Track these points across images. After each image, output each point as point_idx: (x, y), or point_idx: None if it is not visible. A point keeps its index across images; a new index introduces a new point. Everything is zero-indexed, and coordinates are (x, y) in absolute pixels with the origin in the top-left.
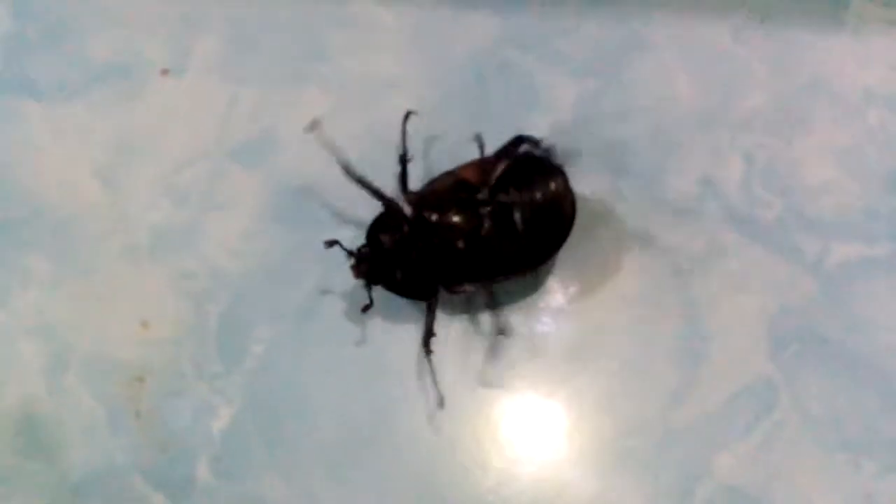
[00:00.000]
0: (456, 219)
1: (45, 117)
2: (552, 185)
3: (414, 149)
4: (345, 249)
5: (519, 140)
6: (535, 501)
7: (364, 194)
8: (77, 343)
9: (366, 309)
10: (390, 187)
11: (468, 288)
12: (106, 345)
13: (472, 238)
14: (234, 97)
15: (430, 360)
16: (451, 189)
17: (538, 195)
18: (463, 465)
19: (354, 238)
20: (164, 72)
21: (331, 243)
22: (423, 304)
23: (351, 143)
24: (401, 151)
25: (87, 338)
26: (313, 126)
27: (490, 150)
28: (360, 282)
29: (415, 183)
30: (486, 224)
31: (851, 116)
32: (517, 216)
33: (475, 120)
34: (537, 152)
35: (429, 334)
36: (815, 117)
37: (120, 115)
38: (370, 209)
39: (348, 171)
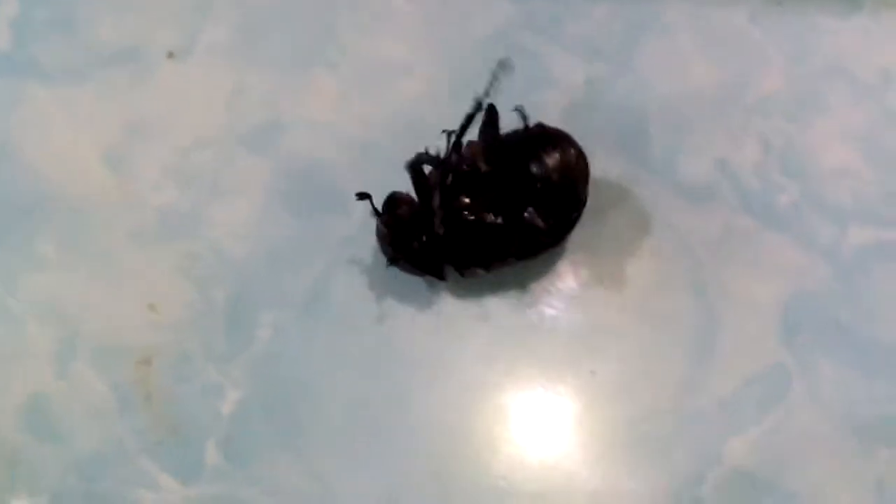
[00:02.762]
0: (466, 200)
1: (52, 101)
2: (563, 157)
3: (425, 133)
4: (373, 206)
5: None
6: (545, 486)
7: (371, 179)
8: (85, 326)
9: (390, 263)
10: (398, 172)
11: (479, 271)
12: (114, 328)
13: (484, 217)
14: (242, 81)
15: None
16: (461, 170)
17: (549, 168)
18: (474, 449)
19: (362, 223)
20: (171, 55)
21: (362, 195)
22: (433, 287)
23: (361, 127)
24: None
25: (95, 321)
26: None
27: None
28: (369, 265)
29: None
30: (499, 203)
31: (869, 99)
32: (530, 191)
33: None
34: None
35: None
36: (832, 100)
37: (128, 99)
38: (378, 192)
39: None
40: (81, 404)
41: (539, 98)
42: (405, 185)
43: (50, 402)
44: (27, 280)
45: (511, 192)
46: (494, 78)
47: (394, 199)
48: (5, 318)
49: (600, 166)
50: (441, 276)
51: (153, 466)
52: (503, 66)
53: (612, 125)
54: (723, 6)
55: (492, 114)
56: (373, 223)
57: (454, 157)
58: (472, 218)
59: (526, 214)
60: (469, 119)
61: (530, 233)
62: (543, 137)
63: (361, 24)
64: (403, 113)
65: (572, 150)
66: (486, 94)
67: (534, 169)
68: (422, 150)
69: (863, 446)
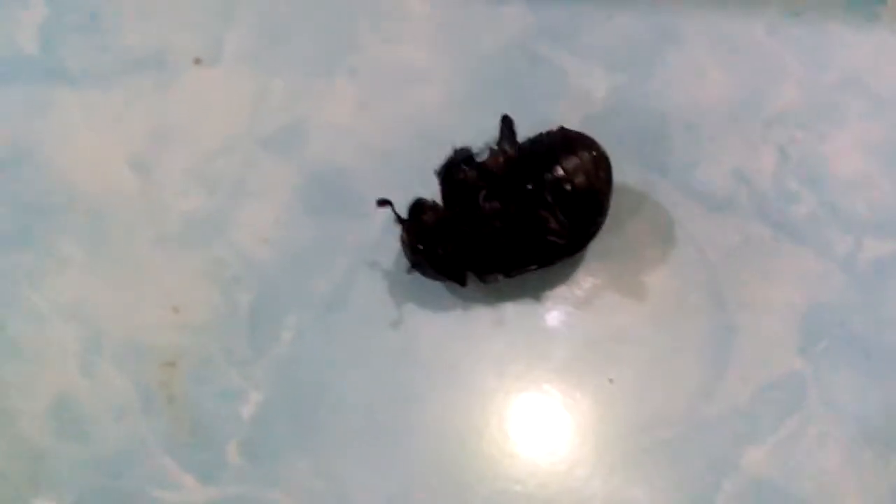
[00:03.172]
0: (487, 207)
1: (79, 105)
2: (585, 159)
3: (444, 138)
4: (395, 213)
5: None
6: (561, 491)
7: (391, 184)
8: (110, 328)
9: (411, 270)
10: (419, 177)
11: (499, 277)
12: (138, 330)
13: (504, 225)
14: (265, 87)
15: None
16: (479, 178)
17: (571, 171)
18: (489, 453)
19: (383, 227)
20: (197, 61)
21: (383, 202)
22: (452, 292)
23: (381, 133)
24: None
25: (120, 323)
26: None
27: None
28: (389, 269)
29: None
30: (521, 210)
31: (885, 111)
32: (549, 197)
33: (505, 112)
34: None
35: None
36: (848, 112)
37: (153, 104)
38: (399, 197)
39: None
40: (106, 404)
41: (557, 107)
42: (425, 190)
43: (75, 402)
44: (53, 281)
45: (533, 200)
46: (502, 133)
47: (419, 206)
48: (32, 318)
49: (618, 175)
50: (462, 282)
51: (176, 466)
52: (507, 122)
53: (631, 134)
54: (740, 18)
55: (508, 124)
56: (394, 227)
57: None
58: (495, 226)
59: (548, 224)
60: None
61: (552, 241)
62: (566, 141)
63: (382, 32)
64: (423, 119)
65: (594, 153)
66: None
67: (556, 173)
68: (447, 157)
69: (878, 455)
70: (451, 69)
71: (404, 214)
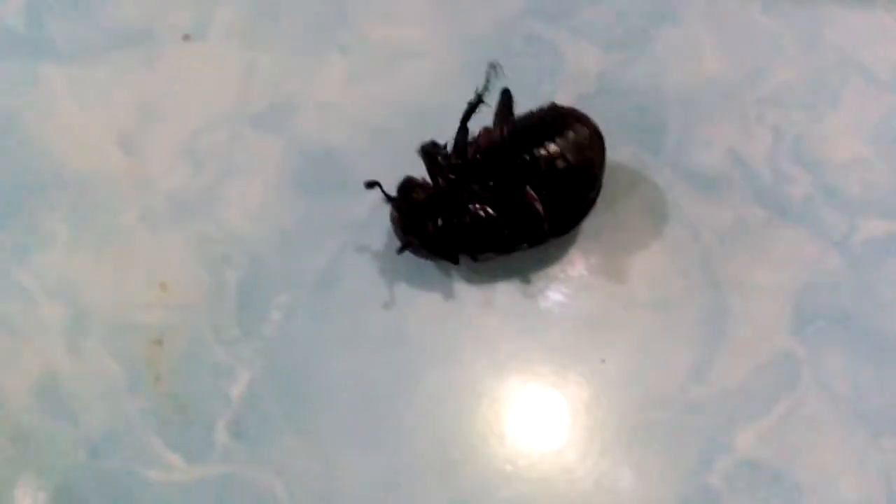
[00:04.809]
0: (476, 186)
1: (66, 81)
2: (578, 135)
3: (437, 117)
4: (384, 192)
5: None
6: (552, 472)
7: (382, 162)
8: (97, 306)
9: (401, 250)
10: (410, 156)
11: (492, 256)
12: (125, 308)
13: (495, 203)
14: (254, 63)
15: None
16: (472, 155)
17: (564, 148)
18: (480, 433)
19: (374, 206)
20: (186, 37)
21: (371, 184)
22: (443, 271)
23: (372, 111)
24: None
25: (106, 301)
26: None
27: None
28: (380, 248)
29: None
30: (510, 189)
31: (881, 92)
32: (542, 174)
33: (505, 88)
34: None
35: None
36: (844, 93)
37: (140, 80)
38: (389, 176)
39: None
40: (92, 383)
41: (552, 86)
42: (415, 169)
43: (60, 381)
44: (39, 259)
45: (524, 178)
46: (488, 80)
47: (408, 184)
48: (17, 295)
49: (612, 154)
50: (454, 261)
51: (162, 446)
52: (494, 68)
53: (625, 114)
54: None
55: (506, 98)
56: (385, 206)
57: (462, 144)
58: (484, 206)
59: (536, 204)
60: (469, 112)
61: (539, 220)
62: (558, 117)
63: (374, 8)
64: (415, 97)
65: (587, 128)
66: (483, 93)
67: (549, 149)
68: (437, 139)
69: (870, 436)
70: (445, 46)
71: (395, 192)
